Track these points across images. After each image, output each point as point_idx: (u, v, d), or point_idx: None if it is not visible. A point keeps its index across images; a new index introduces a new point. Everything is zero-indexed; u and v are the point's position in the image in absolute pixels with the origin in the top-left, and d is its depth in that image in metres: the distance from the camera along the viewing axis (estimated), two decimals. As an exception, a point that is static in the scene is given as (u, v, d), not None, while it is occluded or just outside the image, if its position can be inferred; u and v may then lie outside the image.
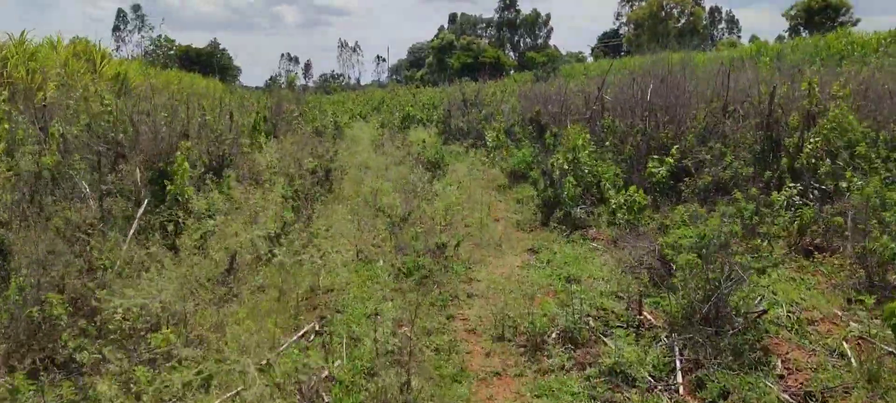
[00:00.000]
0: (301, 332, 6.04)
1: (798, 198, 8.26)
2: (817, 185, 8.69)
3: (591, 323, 5.91)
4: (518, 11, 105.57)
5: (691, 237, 6.49)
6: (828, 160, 8.95)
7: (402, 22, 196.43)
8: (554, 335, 5.66)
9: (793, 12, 68.20)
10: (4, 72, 16.76)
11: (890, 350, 4.94)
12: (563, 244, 8.64)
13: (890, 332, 5.00)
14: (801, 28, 65.37)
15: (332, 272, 7.66)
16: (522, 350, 5.54)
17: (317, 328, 6.14)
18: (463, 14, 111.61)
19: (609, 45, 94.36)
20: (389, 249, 8.41)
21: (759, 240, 7.46)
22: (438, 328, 6.08)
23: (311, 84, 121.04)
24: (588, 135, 11.98)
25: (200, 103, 19.68)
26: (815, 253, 7.38)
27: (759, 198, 8.44)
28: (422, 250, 7.97)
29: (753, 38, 56.95)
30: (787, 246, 7.67)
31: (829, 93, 10.61)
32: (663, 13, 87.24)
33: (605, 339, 5.57)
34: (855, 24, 59.19)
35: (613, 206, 8.63)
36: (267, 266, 7.68)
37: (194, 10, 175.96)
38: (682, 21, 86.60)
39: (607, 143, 12.67)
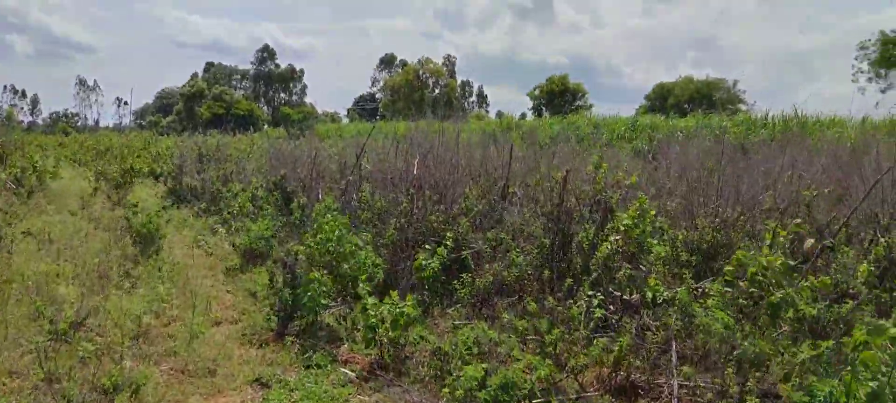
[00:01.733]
0: None
1: (599, 309, 6.57)
2: (618, 293, 7.13)
3: None
4: (277, 65, 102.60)
5: (489, 389, 4.44)
6: (625, 263, 7.47)
7: (153, 66, 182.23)
8: None
9: (536, 93, 72.53)
10: None
11: None
12: (303, 372, 6.19)
13: None
14: (543, 108, 69.55)
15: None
16: None
17: None
18: (219, 63, 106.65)
19: (365, 108, 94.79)
20: (34, 385, 5.46)
21: (564, 376, 5.62)
22: None
23: (39, 121, 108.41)
24: (343, 214, 9.85)
25: None
26: (637, 395, 5.64)
27: (556, 311, 6.66)
28: (83, 388, 5.16)
29: (499, 114, 59.05)
30: (598, 383, 5.88)
31: (614, 180, 9.38)
32: (419, 81, 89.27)
33: None
34: (589, 108, 63.70)
35: (373, 320, 6.36)
36: None
37: None
38: (437, 91, 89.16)
39: (364, 221, 10.53)
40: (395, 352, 6.37)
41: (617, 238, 7.46)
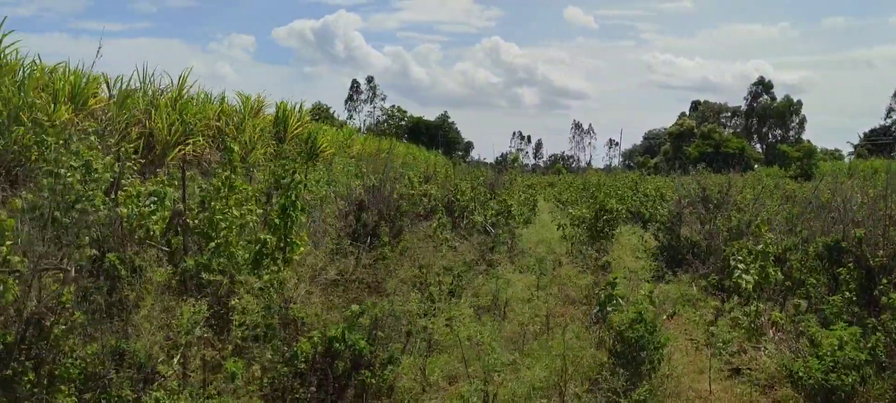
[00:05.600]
0: None
1: None
2: None
3: None
4: (772, 98, 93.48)
5: None
6: None
7: (640, 108, 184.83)
8: None
9: None
10: (148, 123, 13.45)
11: None
12: None
13: None
14: None
15: None
16: None
17: None
18: (706, 101, 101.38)
19: (877, 143, 79.35)
20: None
21: None
22: None
23: (541, 163, 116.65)
24: None
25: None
26: None
27: None
28: None
29: None
30: None
31: None
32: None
33: None
34: None
35: None
36: None
37: (442, 87, 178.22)
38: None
39: None
40: None
41: None
